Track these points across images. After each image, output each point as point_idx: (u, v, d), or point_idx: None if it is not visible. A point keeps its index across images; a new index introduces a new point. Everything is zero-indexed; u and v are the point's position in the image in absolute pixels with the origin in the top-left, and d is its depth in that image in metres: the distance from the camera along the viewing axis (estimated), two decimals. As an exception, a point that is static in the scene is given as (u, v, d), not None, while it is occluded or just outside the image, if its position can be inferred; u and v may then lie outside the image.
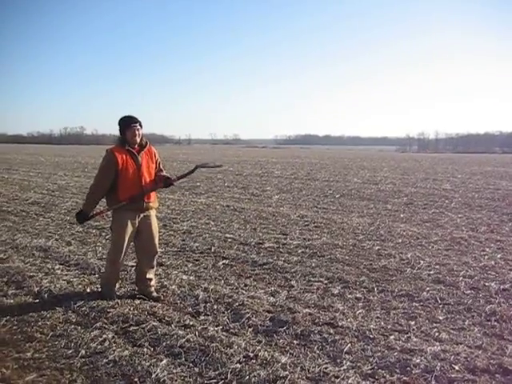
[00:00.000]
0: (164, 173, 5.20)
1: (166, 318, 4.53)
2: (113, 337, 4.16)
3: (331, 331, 4.26)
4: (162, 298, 5.08)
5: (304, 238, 8.02)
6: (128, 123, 4.93)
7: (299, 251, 7.12)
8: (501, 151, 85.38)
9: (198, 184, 16.82)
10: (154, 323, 4.40)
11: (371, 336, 4.16)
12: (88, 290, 5.32)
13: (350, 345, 3.99)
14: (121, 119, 4.99)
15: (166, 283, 5.53)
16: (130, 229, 4.96)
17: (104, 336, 4.15)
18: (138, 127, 4.94)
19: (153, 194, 5.11)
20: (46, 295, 5.16)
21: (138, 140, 4.97)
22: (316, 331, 4.26)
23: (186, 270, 6.16)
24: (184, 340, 4.03)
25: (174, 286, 5.42)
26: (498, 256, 6.89)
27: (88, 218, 5.12)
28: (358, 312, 4.72)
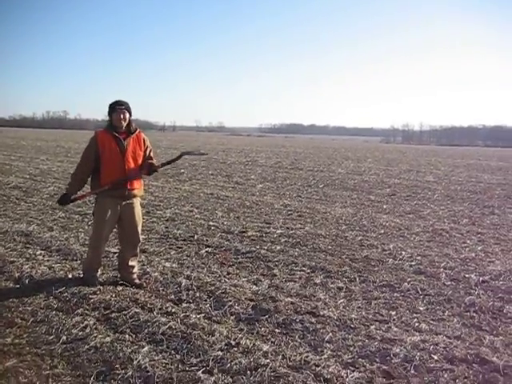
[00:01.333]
0: (153, 161, 5.17)
1: (148, 305, 4.52)
2: (94, 323, 4.15)
3: (313, 320, 4.29)
4: (145, 284, 5.07)
5: (287, 227, 8.04)
6: (114, 106, 4.90)
7: (282, 240, 7.14)
8: (483, 144, 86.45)
9: (182, 171, 16.76)
10: (136, 310, 4.39)
11: (352, 325, 4.20)
12: (70, 276, 5.29)
13: (331, 334, 4.02)
14: (109, 104, 4.96)
15: (148, 270, 5.51)
16: (111, 215, 4.93)
17: (85, 322, 4.14)
18: (124, 111, 4.90)
19: (137, 182, 5.07)
20: (26, 281, 5.12)
21: (124, 124, 4.92)
22: (298, 320, 4.28)
23: (169, 257, 6.15)
24: (166, 327, 4.04)
25: (156, 273, 5.40)
26: (479, 248, 6.98)
27: (70, 200, 5.07)
28: (339, 301, 4.75)
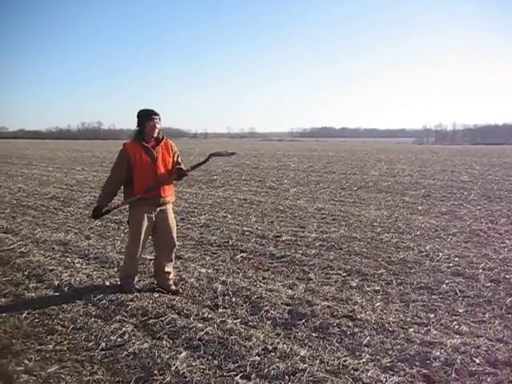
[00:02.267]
0: (181, 166, 5.19)
1: (185, 311, 4.55)
2: (132, 330, 4.19)
3: (350, 324, 4.25)
4: (181, 291, 5.10)
5: (321, 231, 7.99)
6: (148, 115, 4.93)
7: (317, 244, 7.10)
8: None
9: (215, 177, 16.86)
10: (173, 316, 4.42)
11: (390, 329, 4.14)
12: (107, 284, 5.37)
13: (368, 337, 3.97)
14: (140, 111, 4.99)
15: (184, 276, 5.55)
16: (146, 223, 4.98)
17: (124, 329, 4.19)
18: (158, 120, 4.95)
19: (169, 188, 5.11)
20: (66, 288, 5.22)
21: (156, 133, 4.98)
22: (335, 324, 4.25)
23: (204, 263, 6.18)
24: (203, 333, 4.05)
25: (192, 279, 5.44)
26: (519, 248, 6.80)
27: (103, 212, 5.11)
28: (376, 305, 4.70)
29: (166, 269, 5.17)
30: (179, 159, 5.26)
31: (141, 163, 4.87)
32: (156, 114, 4.95)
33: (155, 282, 5.26)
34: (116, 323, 4.32)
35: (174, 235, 5.23)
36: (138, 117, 4.99)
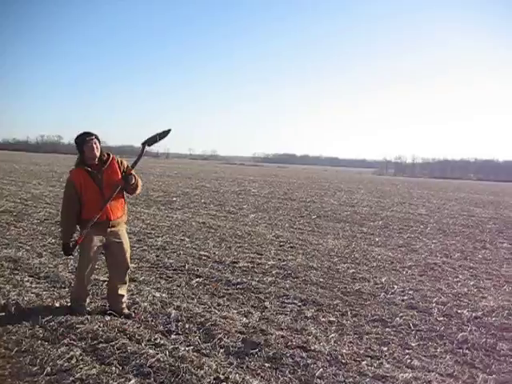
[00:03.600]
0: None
1: (137, 336, 4.44)
2: (80, 354, 4.05)
3: (303, 355, 4.22)
4: (133, 315, 4.98)
5: (279, 259, 7.99)
6: (84, 138, 4.76)
7: (274, 272, 7.09)
8: (475, 178, 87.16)
9: (175, 199, 16.72)
10: (124, 341, 4.30)
11: (343, 361, 4.13)
12: (57, 305, 5.19)
13: (322, 369, 3.95)
14: (76, 137, 4.82)
15: (137, 300, 5.43)
16: (96, 244, 4.87)
17: (71, 353, 4.05)
18: (95, 140, 4.77)
19: (119, 210, 4.97)
20: (13, 308, 5.02)
21: (98, 154, 4.80)
22: (288, 354, 4.21)
23: (159, 286, 6.08)
24: (154, 359, 3.95)
25: (145, 303, 5.32)
26: (471, 283, 6.95)
27: (72, 247, 4.91)
28: (330, 336, 4.69)
29: (120, 291, 5.05)
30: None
31: (86, 189, 4.75)
32: (91, 135, 4.78)
33: (107, 305, 5.13)
34: (64, 347, 4.17)
35: (128, 256, 5.11)
36: (75, 142, 4.82)
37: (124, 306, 5.06)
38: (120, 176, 4.89)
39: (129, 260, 5.16)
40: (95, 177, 4.78)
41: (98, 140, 4.83)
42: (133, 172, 4.96)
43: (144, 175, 29.87)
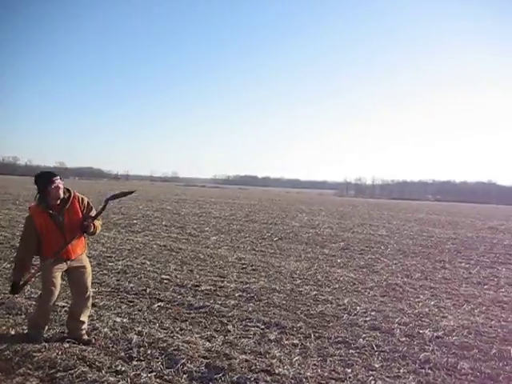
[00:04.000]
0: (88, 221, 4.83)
1: (97, 363, 4.32)
2: (38, 384, 3.92)
3: (268, 379, 4.19)
4: (93, 341, 4.85)
5: (241, 281, 7.95)
6: (48, 179, 4.62)
7: (236, 295, 7.04)
8: (433, 199, 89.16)
9: (135, 222, 16.49)
10: (84, 369, 4.19)
11: (308, 384, 4.12)
12: (13, 332, 5.02)
13: (286, 393, 3.92)
14: (38, 176, 4.69)
15: (98, 325, 5.30)
16: (57, 270, 4.75)
17: (27, 383, 3.91)
18: (59, 180, 4.65)
19: (79, 246, 4.86)
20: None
21: (62, 194, 4.69)
22: (252, 379, 4.18)
23: (120, 311, 5.95)
24: (115, 387, 3.86)
25: (106, 329, 5.20)
26: (432, 303, 7.05)
27: (21, 286, 4.76)
28: (294, 359, 4.67)
29: (82, 318, 4.91)
30: (92, 212, 4.92)
31: (47, 230, 4.63)
32: (56, 176, 4.66)
33: (66, 331, 4.98)
34: (19, 377, 4.03)
35: (89, 283, 4.99)
36: (36, 182, 4.68)
37: (83, 332, 4.92)
38: (81, 215, 4.80)
39: (89, 285, 5.03)
40: (56, 219, 4.65)
41: (61, 179, 4.71)
42: (91, 225, 4.82)
43: (103, 197, 29.51)
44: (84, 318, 4.96)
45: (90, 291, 5.08)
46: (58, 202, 4.69)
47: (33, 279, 4.97)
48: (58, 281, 4.79)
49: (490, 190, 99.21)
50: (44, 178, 4.66)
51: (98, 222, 4.94)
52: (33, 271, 4.91)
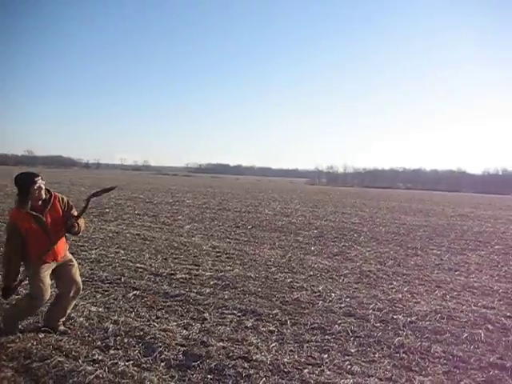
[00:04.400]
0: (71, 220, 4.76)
1: (73, 353, 4.29)
2: (12, 375, 3.88)
3: (245, 365, 4.23)
4: (69, 331, 4.81)
5: (216, 270, 7.96)
6: (30, 179, 4.51)
7: (212, 283, 7.05)
8: (404, 187, 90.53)
9: (107, 210, 16.33)
10: (60, 359, 4.15)
11: (285, 370, 4.17)
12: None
13: (264, 379, 3.97)
14: (19, 178, 4.56)
15: (73, 315, 5.23)
16: (47, 273, 4.67)
17: (2, 374, 3.88)
18: (41, 181, 4.55)
19: (63, 249, 4.80)
20: None
21: (44, 195, 4.59)
22: (230, 365, 4.20)
23: (95, 301, 5.91)
24: (93, 376, 3.84)
25: (81, 318, 5.16)
26: (405, 289, 7.18)
27: (12, 289, 4.67)
28: (271, 345, 4.71)
29: (68, 310, 4.89)
30: (73, 211, 4.84)
31: (32, 233, 4.52)
32: (37, 176, 4.55)
33: (41, 321, 4.92)
34: (-6, 367, 3.97)
35: (78, 276, 4.95)
36: (17, 184, 4.55)
37: (60, 322, 4.87)
38: (61, 214, 4.71)
39: (80, 281, 5.00)
40: (40, 220, 4.55)
41: (43, 179, 4.60)
42: (78, 222, 4.78)
43: (76, 186, 29.12)
44: (69, 310, 4.93)
45: (81, 284, 5.02)
46: (40, 202, 4.60)
47: (23, 283, 4.87)
48: (48, 281, 4.70)
49: (460, 178, 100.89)
50: (25, 178, 4.54)
51: (81, 221, 4.86)
52: (21, 277, 4.80)
